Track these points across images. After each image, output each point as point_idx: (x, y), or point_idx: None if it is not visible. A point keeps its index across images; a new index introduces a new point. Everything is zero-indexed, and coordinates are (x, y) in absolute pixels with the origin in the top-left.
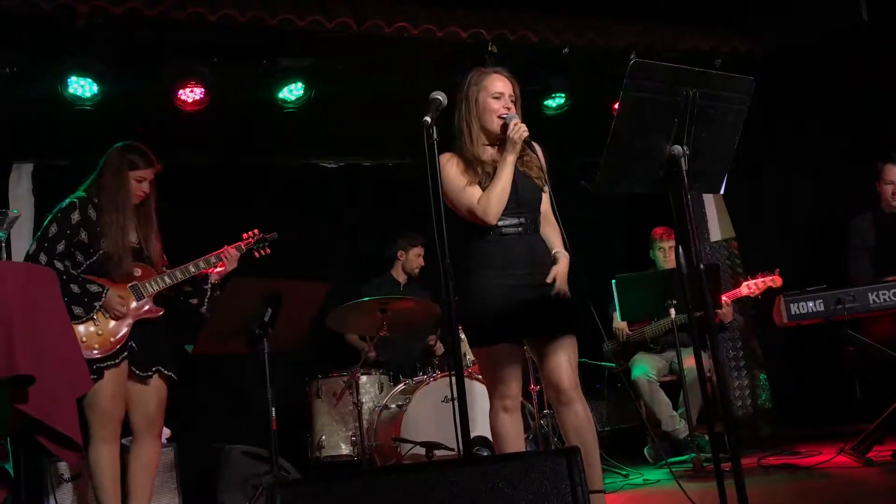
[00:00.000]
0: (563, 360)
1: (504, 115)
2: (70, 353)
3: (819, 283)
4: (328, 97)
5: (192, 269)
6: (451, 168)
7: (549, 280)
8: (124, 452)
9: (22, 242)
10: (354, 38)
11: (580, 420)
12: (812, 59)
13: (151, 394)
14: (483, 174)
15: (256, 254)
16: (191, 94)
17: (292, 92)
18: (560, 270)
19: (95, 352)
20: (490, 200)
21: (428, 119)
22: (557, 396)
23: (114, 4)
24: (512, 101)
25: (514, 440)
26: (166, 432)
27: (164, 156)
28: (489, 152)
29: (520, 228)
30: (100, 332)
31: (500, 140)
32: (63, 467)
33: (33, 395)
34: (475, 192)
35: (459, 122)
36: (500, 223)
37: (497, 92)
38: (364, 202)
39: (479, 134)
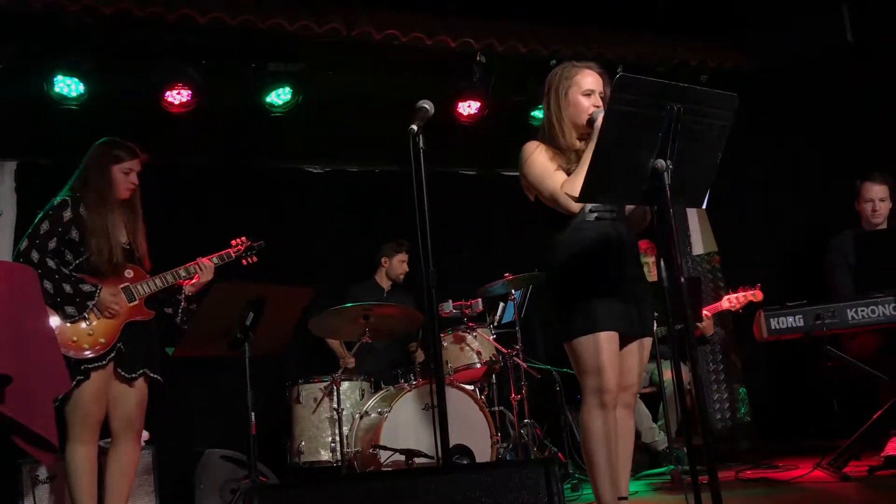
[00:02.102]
0: (639, 365)
1: (592, 112)
2: (48, 353)
3: (800, 299)
4: (316, 102)
5: (170, 279)
6: (539, 154)
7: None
8: (102, 454)
9: (4, 240)
10: (344, 44)
11: (633, 425)
12: (797, 77)
13: (132, 395)
14: (576, 162)
15: (244, 261)
16: (178, 97)
17: (280, 96)
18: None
19: (87, 352)
20: (574, 185)
21: (414, 127)
22: (624, 398)
23: (104, 4)
24: (601, 98)
25: (617, 440)
26: (145, 435)
27: (149, 158)
28: (580, 145)
29: (613, 214)
30: (91, 331)
31: (588, 134)
32: (39, 469)
33: (10, 395)
34: (561, 176)
35: (549, 116)
36: (592, 209)
37: (588, 89)
38: (350, 208)
39: (570, 129)
